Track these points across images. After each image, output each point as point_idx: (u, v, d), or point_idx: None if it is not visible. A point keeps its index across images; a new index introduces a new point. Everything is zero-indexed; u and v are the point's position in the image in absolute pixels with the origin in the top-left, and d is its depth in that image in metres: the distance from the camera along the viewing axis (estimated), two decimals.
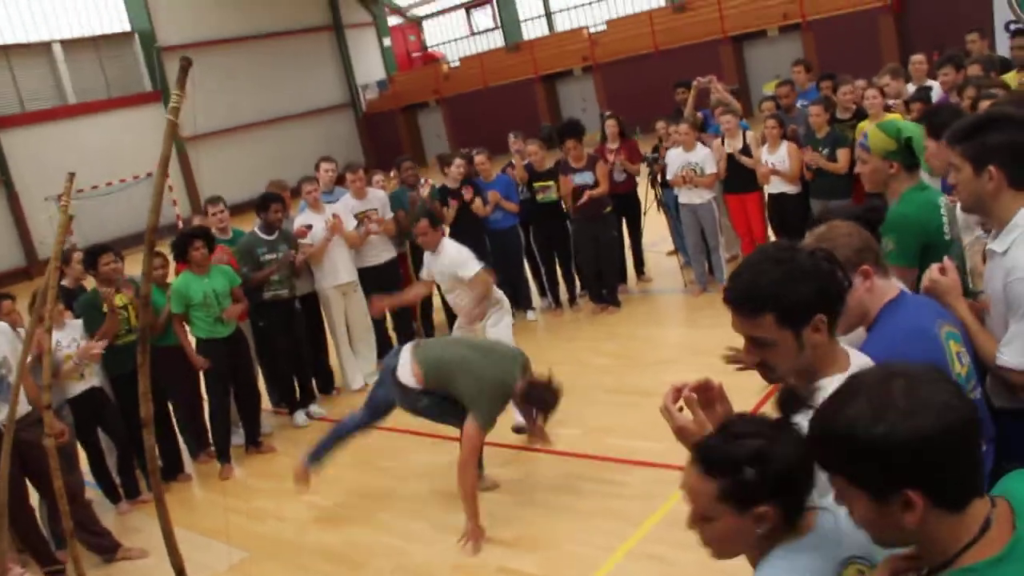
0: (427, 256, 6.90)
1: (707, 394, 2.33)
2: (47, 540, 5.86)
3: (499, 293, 6.90)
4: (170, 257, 7.23)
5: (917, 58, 8.87)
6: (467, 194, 8.94)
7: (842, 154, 7.89)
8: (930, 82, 8.40)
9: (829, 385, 2.09)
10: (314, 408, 8.09)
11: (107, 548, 5.96)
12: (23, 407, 5.57)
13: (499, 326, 6.74)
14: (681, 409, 2.26)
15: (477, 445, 5.21)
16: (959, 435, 1.49)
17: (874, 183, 3.77)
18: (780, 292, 2.07)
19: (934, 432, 1.47)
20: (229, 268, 7.35)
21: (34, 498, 5.87)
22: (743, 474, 1.79)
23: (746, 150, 8.72)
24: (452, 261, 6.67)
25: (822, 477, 1.89)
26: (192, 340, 7.07)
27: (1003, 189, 2.71)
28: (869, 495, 1.55)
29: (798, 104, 9.38)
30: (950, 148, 2.85)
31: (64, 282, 7.06)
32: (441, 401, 5.41)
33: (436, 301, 8.98)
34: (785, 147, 8.34)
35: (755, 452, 1.81)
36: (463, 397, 5.25)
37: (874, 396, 1.53)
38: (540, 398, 5.33)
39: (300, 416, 7.96)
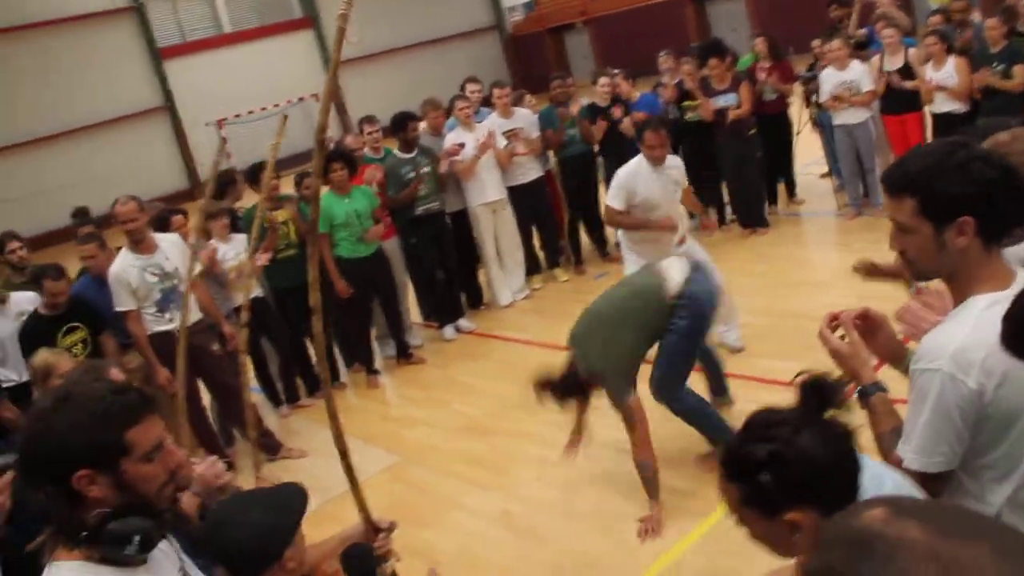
0: (636, 171, 6.14)
1: (866, 322, 2.30)
2: (217, 436, 6.31)
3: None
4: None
5: None
6: (616, 112, 8.86)
7: (1019, 70, 7.39)
8: None
9: (977, 303, 2.00)
10: (463, 322, 8.31)
11: (271, 447, 6.35)
12: (195, 315, 5.96)
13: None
14: (843, 337, 2.26)
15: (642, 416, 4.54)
16: None
17: None
18: (926, 178, 1.98)
19: None
20: (370, 190, 7.53)
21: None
22: (759, 480, 1.67)
23: (906, 68, 8.29)
24: (679, 167, 6.25)
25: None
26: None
27: None
28: None
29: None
30: None
31: (226, 202, 7.46)
32: None
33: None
34: (952, 62, 7.86)
35: (768, 456, 1.67)
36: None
37: None
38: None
39: (449, 330, 8.20)
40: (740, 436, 1.77)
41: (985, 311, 1.96)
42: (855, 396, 2.24)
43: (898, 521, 0.86)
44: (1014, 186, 1.96)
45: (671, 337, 4.67)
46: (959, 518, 0.88)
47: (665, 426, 4.95)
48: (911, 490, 1.87)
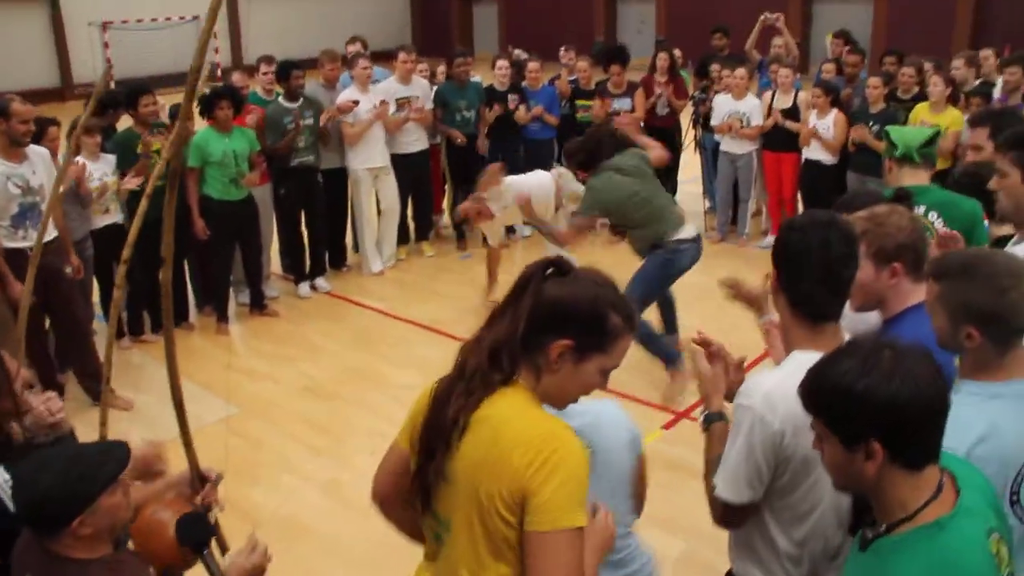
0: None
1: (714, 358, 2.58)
2: (54, 362, 6.08)
3: None
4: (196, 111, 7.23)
5: (985, 53, 8.72)
6: (512, 104, 8.96)
7: None
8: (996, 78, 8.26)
9: (797, 358, 2.23)
10: (320, 282, 8.27)
11: (97, 393, 6.07)
12: (52, 233, 5.69)
13: None
14: None
15: None
16: (928, 406, 1.68)
17: None
18: (784, 238, 2.29)
19: (906, 397, 1.66)
20: (252, 133, 7.38)
21: None
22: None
23: (794, 110, 8.65)
24: None
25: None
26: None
27: None
28: (841, 441, 1.75)
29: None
30: (1001, 153, 2.92)
31: (104, 119, 7.14)
32: None
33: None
34: (833, 115, 8.25)
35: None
36: None
37: (865, 357, 1.73)
38: None
39: (304, 287, 8.15)
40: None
41: (802, 366, 2.17)
42: (700, 420, 2.49)
43: None
44: (834, 272, 2.25)
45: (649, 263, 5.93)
46: None
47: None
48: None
